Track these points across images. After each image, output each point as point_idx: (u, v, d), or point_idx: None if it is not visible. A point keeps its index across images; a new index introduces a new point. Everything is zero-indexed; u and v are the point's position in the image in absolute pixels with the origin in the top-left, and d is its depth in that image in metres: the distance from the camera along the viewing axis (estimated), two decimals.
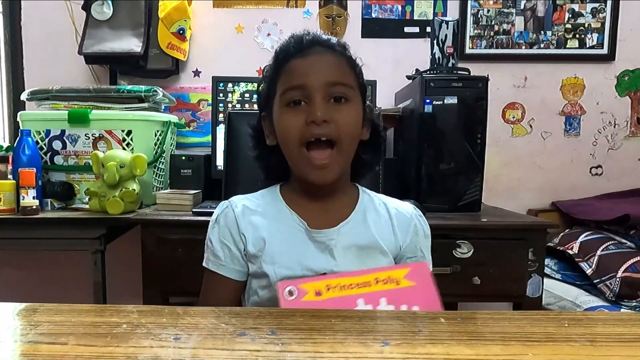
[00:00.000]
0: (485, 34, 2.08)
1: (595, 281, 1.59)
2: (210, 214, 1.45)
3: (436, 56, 1.65)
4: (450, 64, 1.63)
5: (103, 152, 1.56)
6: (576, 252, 1.72)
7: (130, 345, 0.45)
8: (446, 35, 1.62)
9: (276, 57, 0.80)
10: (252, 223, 0.81)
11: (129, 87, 1.73)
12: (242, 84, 1.82)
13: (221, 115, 1.80)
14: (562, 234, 1.88)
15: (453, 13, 2.06)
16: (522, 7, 2.07)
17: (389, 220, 0.85)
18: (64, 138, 1.65)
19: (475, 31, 2.07)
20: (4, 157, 1.90)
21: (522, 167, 2.12)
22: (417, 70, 1.76)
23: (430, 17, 2.04)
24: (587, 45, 2.08)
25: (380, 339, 0.48)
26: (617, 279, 1.53)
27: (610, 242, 1.69)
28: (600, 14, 2.06)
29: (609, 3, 2.05)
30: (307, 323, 0.52)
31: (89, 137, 1.65)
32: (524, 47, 2.08)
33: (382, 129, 0.87)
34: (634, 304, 1.52)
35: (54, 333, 0.48)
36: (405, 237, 0.84)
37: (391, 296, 0.63)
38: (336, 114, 0.75)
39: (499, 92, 2.08)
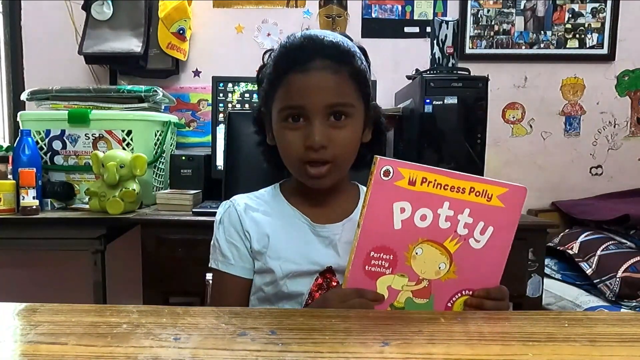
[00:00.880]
0: (485, 34, 2.08)
1: (595, 281, 1.59)
2: (210, 213, 1.46)
3: (436, 56, 1.65)
4: (450, 64, 1.63)
5: (103, 152, 1.56)
6: (576, 252, 1.72)
7: (130, 345, 0.45)
8: (446, 35, 1.62)
9: (276, 62, 0.78)
10: (255, 220, 0.81)
11: (129, 87, 1.73)
12: (242, 84, 1.82)
13: (221, 115, 1.80)
14: (562, 234, 1.88)
15: (453, 13, 2.06)
16: (522, 7, 2.07)
17: None
18: (64, 138, 1.65)
19: (475, 31, 2.08)
20: (4, 157, 1.90)
21: (522, 167, 2.12)
22: (417, 70, 1.76)
23: (430, 17, 2.04)
24: (587, 45, 2.08)
25: (380, 339, 0.48)
26: (617, 279, 1.53)
27: (610, 242, 1.69)
28: (600, 14, 2.06)
29: (609, 3, 2.05)
30: (307, 323, 0.52)
31: (89, 137, 1.65)
32: (524, 47, 2.08)
33: (384, 128, 0.87)
34: (634, 304, 1.52)
35: (54, 333, 0.48)
36: None
37: (476, 210, 0.62)
38: (335, 134, 0.74)
39: (499, 92, 2.08)
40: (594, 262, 1.63)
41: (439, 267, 0.64)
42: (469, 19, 2.06)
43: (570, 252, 1.74)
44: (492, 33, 2.08)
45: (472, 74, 1.64)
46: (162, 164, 1.78)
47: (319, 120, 0.73)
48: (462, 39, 2.04)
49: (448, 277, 0.64)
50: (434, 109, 1.53)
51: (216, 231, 0.84)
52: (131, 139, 1.64)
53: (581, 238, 1.77)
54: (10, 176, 1.67)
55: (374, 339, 0.48)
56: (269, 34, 2.09)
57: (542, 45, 2.08)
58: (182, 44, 2.02)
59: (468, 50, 2.07)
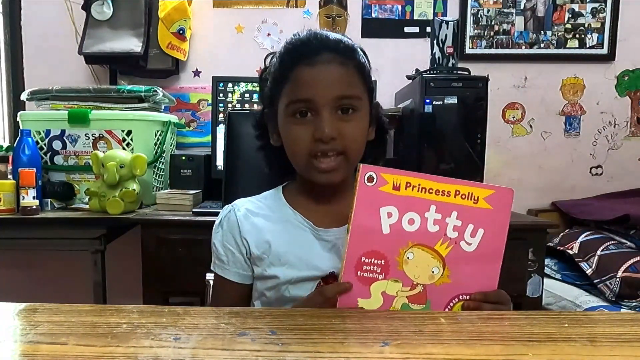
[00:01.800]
0: (485, 34, 2.08)
1: (595, 281, 1.59)
2: (210, 214, 1.46)
3: (436, 56, 1.65)
4: (450, 64, 1.63)
5: (103, 152, 1.56)
6: (576, 252, 1.72)
7: (130, 345, 0.45)
8: (446, 35, 1.62)
9: (282, 59, 0.77)
10: (255, 226, 0.80)
11: (129, 87, 1.73)
12: (242, 84, 1.82)
13: (221, 115, 1.80)
14: (562, 234, 1.88)
15: (453, 13, 2.06)
16: (522, 7, 2.07)
17: None
18: (64, 138, 1.65)
19: (475, 31, 2.08)
20: (4, 157, 1.90)
21: (522, 167, 2.12)
22: (417, 70, 1.76)
23: (430, 17, 2.04)
24: (587, 45, 2.08)
25: (380, 339, 0.48)
26: (617, 279, 1.53)
27: (610, 242, 1.69)
28: (600, 14, 2.06)
29: (609, 3, 2.05)
30: (307, 323, 0.52)
31: (89, 137, 1.65)
32: (524, 47, 2.08)
33: (387, 127, 0.86)
34: (634, 304, 1.52)
35: (54, 333, 0.48)
36: None
37: (464, 212, 0.63)
38: (343, 127, 0.73)
39: (499, 92, 2.08)
40: (594, 262, 1.63)
41: (432, 272, 0.64)
42: (469, 19, 2.06)
43: (570, 252, 1.74)
44: (492, 33, 2.08)
45: (472, 74, 1.64)
46: (162, 164, 1.78)
47: (328, 113, 0.73)
48: (462, 39, 2.04)
49: (443, 281, 0.64)
50: (434, 109, 1.53)
51: (214, 234, 0.84)
52: (131, 139, 1.64)
53: (581, 238, 1.77)
54: (10, 176, 1.67)
55: (374, 339, 0.48)
56: (269, 34, 2.09)
57: (542, 45, 2.08)
58: (182, 44, 2.02)
59: (468, 50, 2.07)
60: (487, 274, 0.66)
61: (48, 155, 1.66)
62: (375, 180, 0.62)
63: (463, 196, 0.63)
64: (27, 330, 0.49)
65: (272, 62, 0.81)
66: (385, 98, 1.95)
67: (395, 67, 2.03)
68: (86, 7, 1.96)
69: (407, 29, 2.08)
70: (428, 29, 2.00)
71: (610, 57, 2.07)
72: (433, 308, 0.65)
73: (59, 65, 2.07)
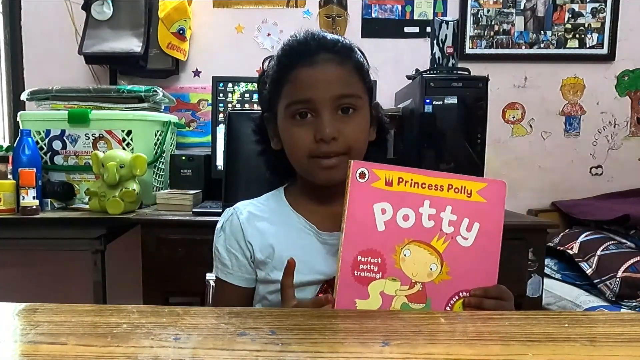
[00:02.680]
0: (485, 34, 2.08)
1: (595, 281, 1.59)
2: (210, 214, 1.46)
3: (436, 56, 1.65)
4: (450, 64, 1.63)
5: (103, 152, 1.56)
6: (576, 252, 1.72)
7: (130, 345, 0.45)
8: (446, 35, 1.62)
9: (280, 61, 0.77)
10: (259, 229, 0.79)
11: (129, 87, 1.73)
12: (242, 84, 1.82)
13: (221, 115, 1.80)
14: (562, 234, 1.88)
15: (453, 13, 2.06)
16: (522, 7, 2.07)
17: None
18: (64, 138, 1.65)
19: (475, 31, 2.08)
20: (4, 157, 1.90)
21: (522, 167, 2.12)
22: (417, 70, 1.76)
23: (430, 17, 2.04)
24: (587, 45, 2.08)
25: (380, 339, 0.48)
26: (617, 279, 1.53)
27: (610, 242, 1.69)
28: (600, 14, 2.06)
29: (609, 3, 2.05)
30: (307, 323, 0.52)
31: (89, 137, 1.65)
32: (524, 47, 2.08)
33: (388, 127, 0.86)
34: (634, 304, 1.52)
35: (54, 333, 0.48)
36: None
37: (458, 207, 0.62)
38: (344, 127, 0.73)
39: (499, 92, 2.08)
40: (594, 262, 1.63)
41: (431, 269, 0.63)
42: (469, 19, 2.06)
43: (570, 252, 1.74)
44: (492, 33, 2.08)
45: (472, 74, 1.64)
46: (162, 164, 1.78)
47: (329, 113, 0.72)
48: (462, 39, 2.04)
49: (442, 278, 0.63)
50: (434, 109, 1.53)
51: (216, 239, 0.83)
52: (131, 139, 1.64)
53: (581, 238, 1.77)
54: (10, 176, 1.67)
55: (374, 339, 0.48)
56: (269, 34, 2.09)
57: (542, 45, 2.08)
58: (182, 44, 2.02)
59: (468, 50, 2.07)
60: (486, 268, 0.65)
61: (48, 155, 1.66)
62: (367, 176, 0.61)
63: (456, 190, 0.63)
64: (27, 330, 0.49)
65: (270, 64, 0.81)
66: (385, 98, 1.95)
67: (395, 67, 2.03)
68: (86, 7, 1.96)
69: (407, 29, 2.08)
70: (428, 29, 2.00)
71: (610, 57, 2.07)
72: (433, 306, 0.64)
73: (59, 65, 2.07)
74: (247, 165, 1.41)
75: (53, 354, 0.43)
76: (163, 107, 1.90)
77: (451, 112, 1.53)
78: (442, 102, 1.52)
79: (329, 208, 0.80)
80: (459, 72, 1.63)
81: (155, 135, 1.72)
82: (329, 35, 0.77)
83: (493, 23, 2.07)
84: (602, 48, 2.07)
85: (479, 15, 2.07)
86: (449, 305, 0.64)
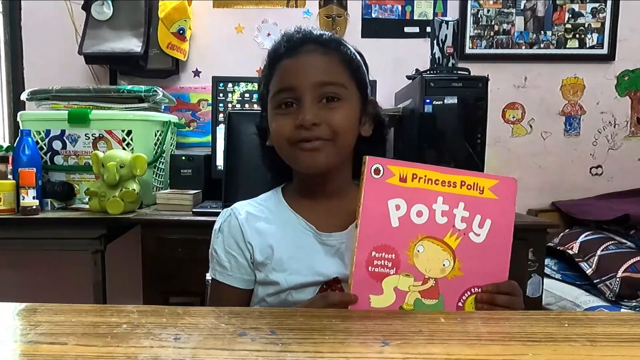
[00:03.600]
0: (485, 34, 2.08)
1: (595, 281, 1.59)
2: (210, 214, 1.46)
3: (436, 56, 1.65)
4: (450, 64, 1.63)
5: (103, 152, 1.56)
6: (576, 252, 1.72)
7: (130, 345, 0.45)
8: (446, 35, 1.62)
9: (268, 57, 0.79)
10: (258, 230, 0.79)
11: (129, 87, 1.73)
12: (242, 84, 1.82)
13: (221, 115, 1.80)
14: (562, 234, 1.88)
15: (453, 13, 2.06)
16: (522, 7, 2.07)
17: None
18: (64, 138, 1.65)
19: (475, 31, 2.08)
20: (4, 157, 1.90)
21: (522, 167, 2.12)
22: (417, 70, 1.76)
23: (430, 17, 2.04)
24: (587, 45, 2.08)
25: (380, 339, 0.48)
26: (617, 279, 1.53)
27: (610, 242, 1.69)
28: (600, 14, 2.06)
29: (609, 3, 2.05)
30: (307, 323, 0.52)
31: (89, 137, 1.65)
32: (524, 47, 2.08)
33: (385, 123, 0.85)
34: (634, 304, 1.52)
35: (54, 333, 0.48)
36: None
37: (470, 203, 0.63)
38: (328, 114, 0.72)
39: (499, 92, 2.08)
40: (594, 262, 1.63)
41: (444, 265, 0.63)
42: (469, 19, 2.06)
43: (570, 252, 1.74)
44: (492, 33, 2.08)
45: (472, 74, 1.64)
46: (162, 164, 1.78)
47: (310, 100, 0.72)
48: (462, 39, 2.04)
49: (454, 274, 0.64)
50: (434, 109, 1.53)
51: (214, 240, 0.82)
52: (131, 139, 1.64)
53: (581, 238, 1.77)
54: (10, 176, 1.67)
55: (374, 339, 0.48)
56: (269, 34, 2.09)
57: (542, 45, 2.08)
58: (182, 44, 2.02)
59: (468, 50, 2.07)
60: (498, 265, 0.65)
61: (48, 155, 1.66)
62: (382, 172, 0.61)
63: (469, 187, 0.63)
64: (27, 330, 0.49)
65: (263, 66, 0.82)
66: (385, 98, 1.95)
67: (395, 67, 2.03)
68: (86, 7, 1.96)
69: (407, 29, 2.08)
70: (428, 29, 2.00)
71: (610, 57, 2.07)
72: (446, 302, 0.64)
73: (59, 65, 2.07)
74: (247, 165, 1.42)
75: (53, 354, 0.43)
76: (163, 107, 1.90)
77: (451, 112, 1.53)
78: (442, 102, 1.52)
79: (327, 207, 0.80)
80: (459, 72, 1.63)
81: (155, 135, 1.72)
82: (317, 30, 0.79)
83: (493, 23, 2.07)
84: (602, 48, 2.07)
85: (479, 15, 2.07)
86: (461, 301, 0.65)
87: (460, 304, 0.65)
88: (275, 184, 0.87)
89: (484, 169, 1.55)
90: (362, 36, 2.05)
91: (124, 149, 1.62)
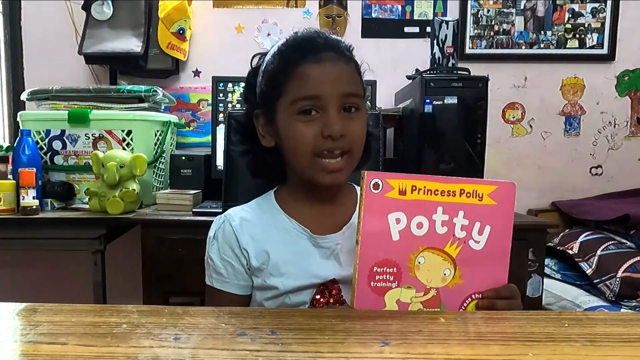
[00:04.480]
0: (485, 34, 2.08)
1: (595, 281, 1.59)
2: (210, 214, 1.46)
3: (436, 56, 1.65)
4: (450, 64, 1.63)
5: (103, 152, 1.56)
6: (576, 252, 1.72)
7: (130, 345, 0.45)
8: (446, 35, 1.62)
9: (283, 56, 0.76)
10: (253, 236, 0.78)
11: (129, 87, 1.73)
12: (242, 84, 1.82)
13: (221, 115, 1.80)
14: (562, 234, 1.88)
15: (453, 13, 2.06)
16: (522, 7, 2.07)
17: None
18: (64, 138, 1.65)
19: (475, 31, 2.08)
20: (4, 157, 1.90)
21: (522, 167, 2.12)
22: (417, 70, 1.76)
23: (430, 17, 2.04)
24: (587, 45, 2.08)
25: (380, 339, 0.48)
26: (617, 279, 1.53)
27: (610, 242, 1.69)
28: (600, 14, 2.06)
29: (609, 3, 2.05)
30: (307, 323, 0.52)
31: (89, 137, 1.65)
32: (524, 47, 2.08)
33: (372, 130, 0.84)
34: (634, 304, 1.52)
35: (54, 333, 0.48)
36: None
37: (469, 211, 0.63)
38: (350, 125, 0.73)
39: (499, 92, 2.08)
40: (594, 262, 1.63)
41: (444, 274, 0.63)
42: (469, 19, 2.06)
43: (570, 252, 1.74)
44: (492, 33, 2.08)
45: (472, 74, 1.64)
46: (162, 164, 1.78)
47: (336, 110, 0.72)
48: (462, 39, 2.04)
49: (455, 282, 0.64)
50: (434, 109, 1.53)
51: (209, 247, 0.81)
52: (131, 139, 1.64)
53: (581, 238, 1.77)
54: (10, 176, 1.67)
55: (374, 339, 0.48)
56: (269, 34, 2.09)
57: (542, 45, 2.08)
58: (182, 44, 2.02)
59: (468, 50, 2.07)
60: (497, 270, 0.66)
61: (48, 155, 1.66)
62: (381, 186, 0.61)
63: (468, 194, 0.63)
64: (27, 330, 0.49)
65: (267, 60, 0.79)
66: (385, 98, 1.95)
67: (395, 67, 2.03)
68: (86, 7, 1.96)
69: (407, 29, 2.08)
70: (428, 29, 2.00)
71: (610, 57, 2.07)
72: (447, 310, 0.64)
73: (59, 65, 2.07)
74: None
75: (53, 354, 0.43)
76: (163, 107, 1.90)
77: (451, 112, 1.53)
78: (442, 102, 1.52)
79: (321, 210, 0.80)
80: (459, 72, 1.63)
81: (155, 135, 1.72)
82: (332, 34, 0.78)
83: (493, 23, 2.07)
84: (602, 48, 2.07)
85: (479, 15, 2.07)
86: (462, 307, 0.65)
87: (461, 311, 0.65)
88: (268, 186, 0.86)
89: (484, 169, 1.55)
90: (362, 36, 2.05)
91: (124, 149, 1.62)
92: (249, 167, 0.86)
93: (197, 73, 2.11)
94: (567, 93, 2.11)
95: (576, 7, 2.06)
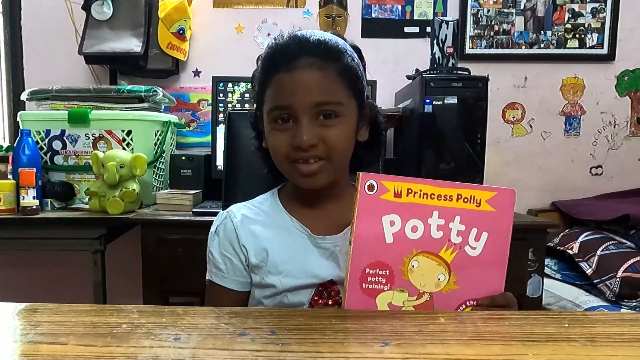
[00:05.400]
0: (485, 34, 2.08)
1: (595, 281, 1.59)
2: (210, 214, 1.46)
3: (436, 56, 1.65)
4: (450, 64, 1.63)
5: (103, 152, 1.56)
6: (576, 252, 1.72)
7: (130, 345, 0.45)
8: (446, 35, 1.62)
9: (263, 64, 0.76)
10: (253, 233, 0.79)
11: (129, 87, 1.73)
12: (242, 84, 1.82)
13: (221, 115, 1.80)
14: (562, 234, 1.88)
15: (453, 13, 2.06)
16: (522, 7, 2.07)
17: None
18: (64, 138, 1.65)
19: (475, 31, 2.08)
20: (4, 157, 1.90)
21: (522, 167, 2.12)
22: (417, 70, 1.76)
23: (430, 17, 2.04)
24: (587, 45, 2.08)
25: (380, 339, 0.48)
26: (617, 279, 1.53)
27: (610, 242, 1.69)
28: (600, 14, 2.06)
29: (609, 3, 2.05)
30: (307, 323, 0.52)
31: (89, 137, 1.65)
32: (524, 47, 2.08)
33: (382, 127, 0.84)
34: (634, 304, 1.52)
35: (54, 333, 0.48)
36: None
37: (466, 216, 0.62)
38: (325, 133, 0.72)
39: (499, 92, 2.08)
40: (594, 262, 1.63)
41: (438, 279, 0.63)
42: (469, 19, 2.06)
43: (570, 252, 1.74)
44: (492, 33, 2.08)
45: (472, 74, 1.64)
46: (162, 164, 1.78)
47: (307, 120, 0.71)
48: (462, 39, 2.04)
49: (449, 288, 0.63)
50: (434, 109, 1.53)
51: (210, 242, 0.82)
52: (131, 139, 1.64)
53: (581, 238, 1.77)
54: (10, 176, 1.67)
55: (374, 339, 0.48)
56: (269, 34, 2.09)
57: (542, 45, 2.08)
58: (182, 44, 2.02)
59: (468, 50, 2.07)
60: (493, 277, 0.65)
61: (48, 155, 1.66)
62: (375, 188, 0.61)
63: (465, 200, 0.62)
64: (27, 330, 0.49)
65: (258, 65, 0.80)
66: (385, 98, 1.95)
67: (395, 67, 2.03)
68: (86, 7, 1.96)
69: (407, 29, 2.08)
70: (428, 29, 2.00)
71: (610, 57, 2.07)
72: None
73: (59, 65, 2.07)
74: (247, 165, 1.42)
75: (53, 354, 0.43)
76: (163, 107, 1.90)
77: (451, 112, 1.53)
78: (442, 102, 1.52)
79: (322, 210, 0.80)
80: (459, 72, 1.63)
81: (155, 135, 1.72)
82: (314, 37, 0.74)
83: (493, 23, 2.07)
84: (602, 48, 2.07)
85: (479, 15, 2.07)
86: None
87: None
88: (275, 183, 0.87)
89: (484, 169, 1.55)
90: (362, 36, 2.05)
91: (124, 149, 1.62)
92: (263, 163, 0.86)
93: (197, 73, 2.11)
94: (567, 93, 2.11)
95: (576, 7, 2.06)
